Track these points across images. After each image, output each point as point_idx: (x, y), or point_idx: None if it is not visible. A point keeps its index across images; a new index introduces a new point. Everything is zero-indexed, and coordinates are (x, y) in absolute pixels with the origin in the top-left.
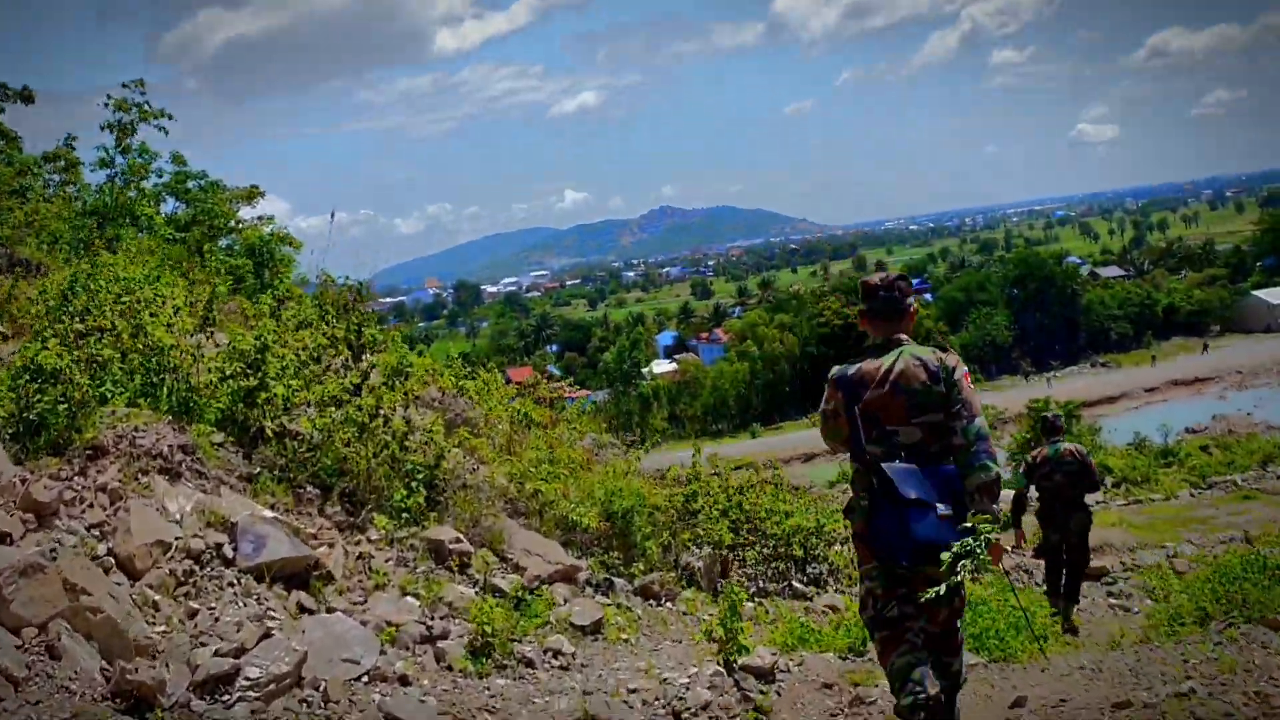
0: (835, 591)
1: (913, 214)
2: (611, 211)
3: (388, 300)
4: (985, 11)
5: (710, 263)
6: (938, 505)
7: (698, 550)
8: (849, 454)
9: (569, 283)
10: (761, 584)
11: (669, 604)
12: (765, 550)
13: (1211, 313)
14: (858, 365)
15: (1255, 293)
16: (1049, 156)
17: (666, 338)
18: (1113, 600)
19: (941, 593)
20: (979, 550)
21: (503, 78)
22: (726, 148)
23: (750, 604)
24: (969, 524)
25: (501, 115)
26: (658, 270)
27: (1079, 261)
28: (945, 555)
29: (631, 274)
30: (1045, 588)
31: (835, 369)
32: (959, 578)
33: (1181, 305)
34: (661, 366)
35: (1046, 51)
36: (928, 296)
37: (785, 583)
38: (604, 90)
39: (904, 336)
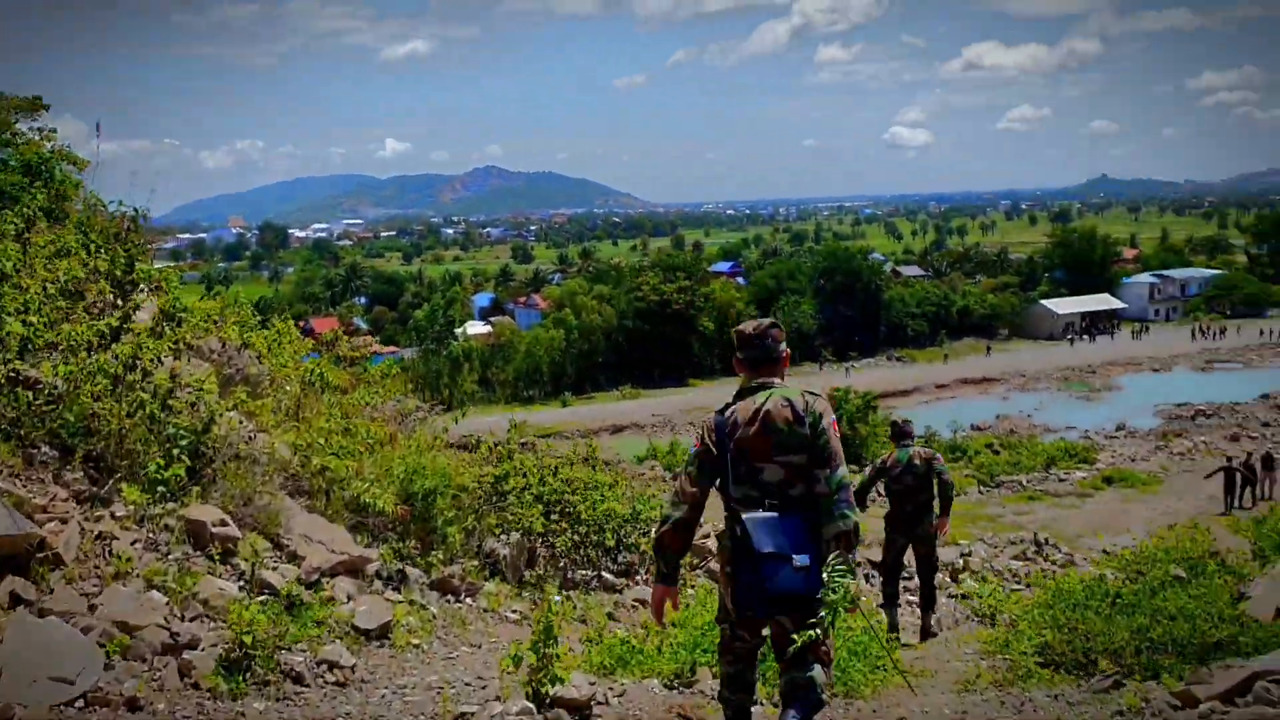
0: (645, 583)
1: (731, 199)
2: (435, 165)
3: (185, 236)
4: (818, 7)
5: (533, 227)
6: (794, 557)
7: (505, 537)
8: (720, 495)
9: (384, 234)
10: (570, 573)
11: (469, 599)
12: (576, 537)
13: (1002, 317)
14: (733, 408)
15: (1043, 301)
16: (864, 156)
17: (483, 299)
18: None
19: (800, 642)
20: (838, 600)
21: (332, 15)
22: (556, 114)
23: (558, 597)
24: (825, 573)
25: (326, 54)
26: (479, 230)
27: (883, 259)
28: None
29: (451, 231)
30: (881, 598)
31: (713, 415)
32: (817, 631)
33: (975, 308)
34: (476, 328)
35: (871, 52)
36: (740, 280)
37: (595, 572)
38: (435, 40)
39: (775, 380)
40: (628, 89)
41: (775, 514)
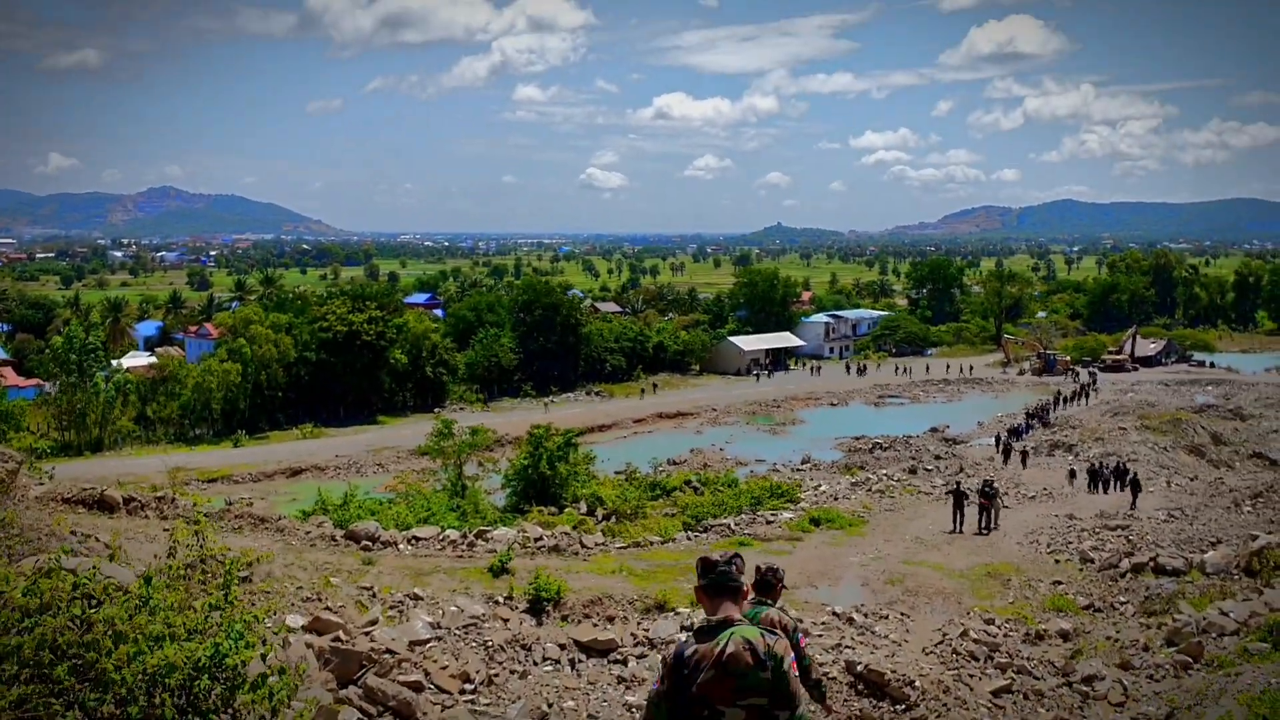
0: None
1: (429, 230)
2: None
3: None
4: (516, 47)
5: (213, 253)
6: None
7: None
8: None
9: (40, 255)
10: None
11: None
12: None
13: (694, 353)
14: (695, 647)
15: (730, 338)
16: (561, 195)
17: (149, 327)
18: (626, 689)
19: None
20: None
21: None
22: (242, 136)
23: None
24: None
25: None
26: (151, 254)
27: (581, 295)
28: None
29: (120, 254)
30: None
31: (676, 647)
32: None
33: (669, 344)
34: (138, 359)
35: (567, 95)
36: (438, 312)
37: None
38: (108, 52)
39: (735, 615)
40: (322, 114)
41: None
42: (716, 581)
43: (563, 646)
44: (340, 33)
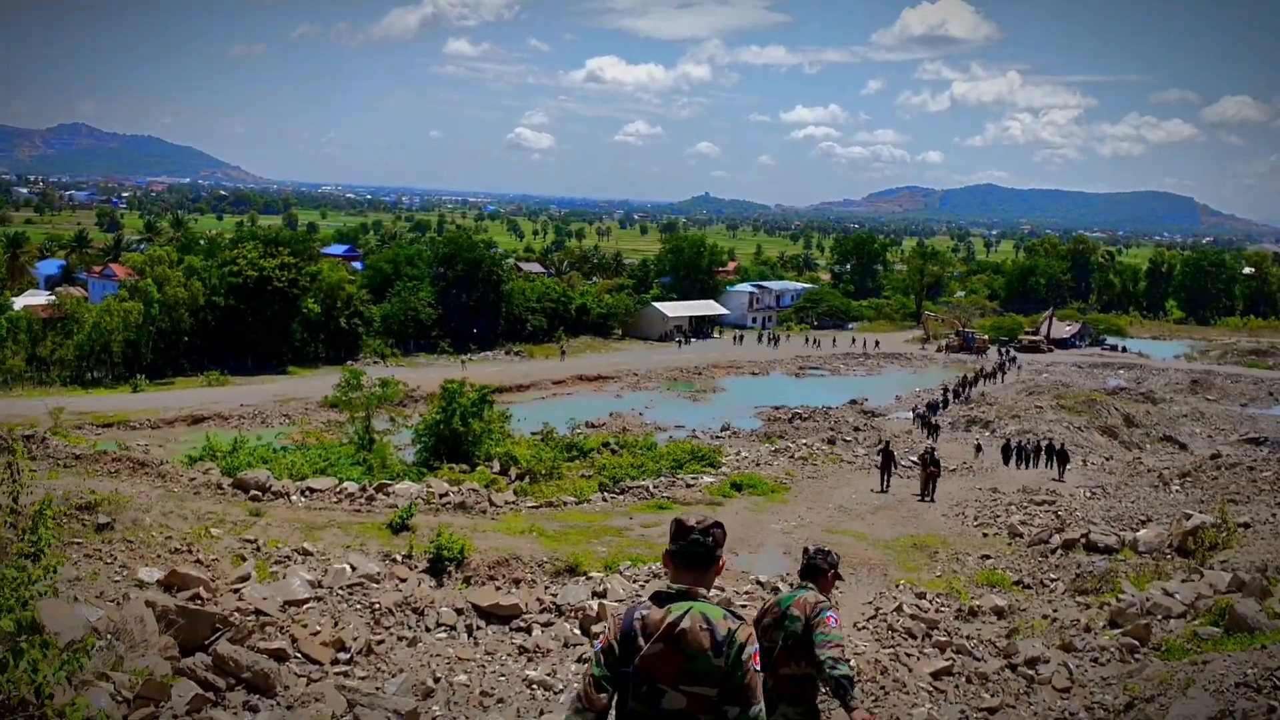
0: None
1: (352, 182)
2: (11, 117)
3: None
4: (449, 0)
5: (125, 194)
6: None
7: None
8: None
9: None
10: None
11: None
12: None
13: (616, 317)
14: (646, 612)
15: (655, 304)
16: (488, 154)
17: (50, 266)
18: (528, 661)
19: None
20: None
21: None
22: (161, 76)
23: None
24: None
25: None
26: (59, 192)
27: (504, 253)
28: None
29: (25, 191)
30: None
31: (628, 606)
32: None
33: (593, 307)
34: (36, 299)
35: (499, 52)
36: (357, 265)
37: None
38: None
39: (702, 591)
40: (245, 57)
41: None
42: (685, 549)
43: (460, 611)
44: None
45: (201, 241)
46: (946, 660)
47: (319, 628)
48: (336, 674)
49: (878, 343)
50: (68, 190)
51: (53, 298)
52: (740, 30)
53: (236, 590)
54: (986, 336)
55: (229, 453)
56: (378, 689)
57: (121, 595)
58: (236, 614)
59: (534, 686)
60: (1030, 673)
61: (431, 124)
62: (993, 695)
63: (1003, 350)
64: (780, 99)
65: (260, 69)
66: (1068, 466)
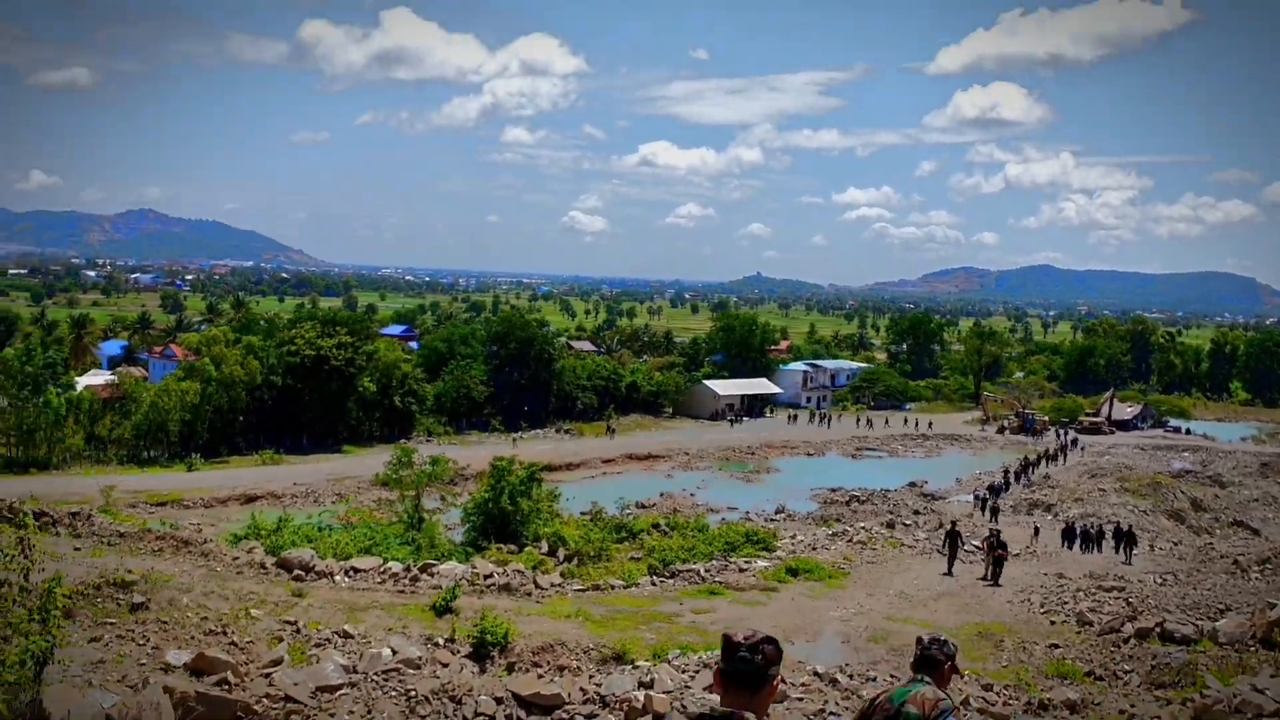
0: None
1: (410, 264)
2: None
3: None
4: (508, 90)
5: (189, 277)
6: None
7: None
8: None
9: (12, 271)
10: None
11: None
12: None
13: (667, 395)
14: None
15: (706, 382)
16: (543, 237)
17: (113, 346)
18: None
19: None
20: None
21: None
22: (226, 162)
23: None
24: None
25: None
26: (126, 275)
27: (557, 332)
28: None
29: (94, 274)
30: None
31: None
32: None
33: (643, 385)
34: (98, 378)
35: (554, 139)
36: (413, 345)
37: None
38: (98, 71)
39: (748, 715)
40: (309, 144)
41: None
42: (732, 669)
43: (499, 700)
44: (332, 65)
45: (262, 322)
46: None
47: (347, 718)
48: None
49: (930, 423)
50: (134, 273)
51: (113, 378)
52: (792, 114)
53: (268, 675)
54: (1046, 418)
55: (273, 531)
56: None
57: (142, 680)
58: (265, 700)
59: None
60: None
61: (489, 208)
62: None
63: (1060, 432)
64: (832, 180)
65: (323, 155)
66: (1135, 551)
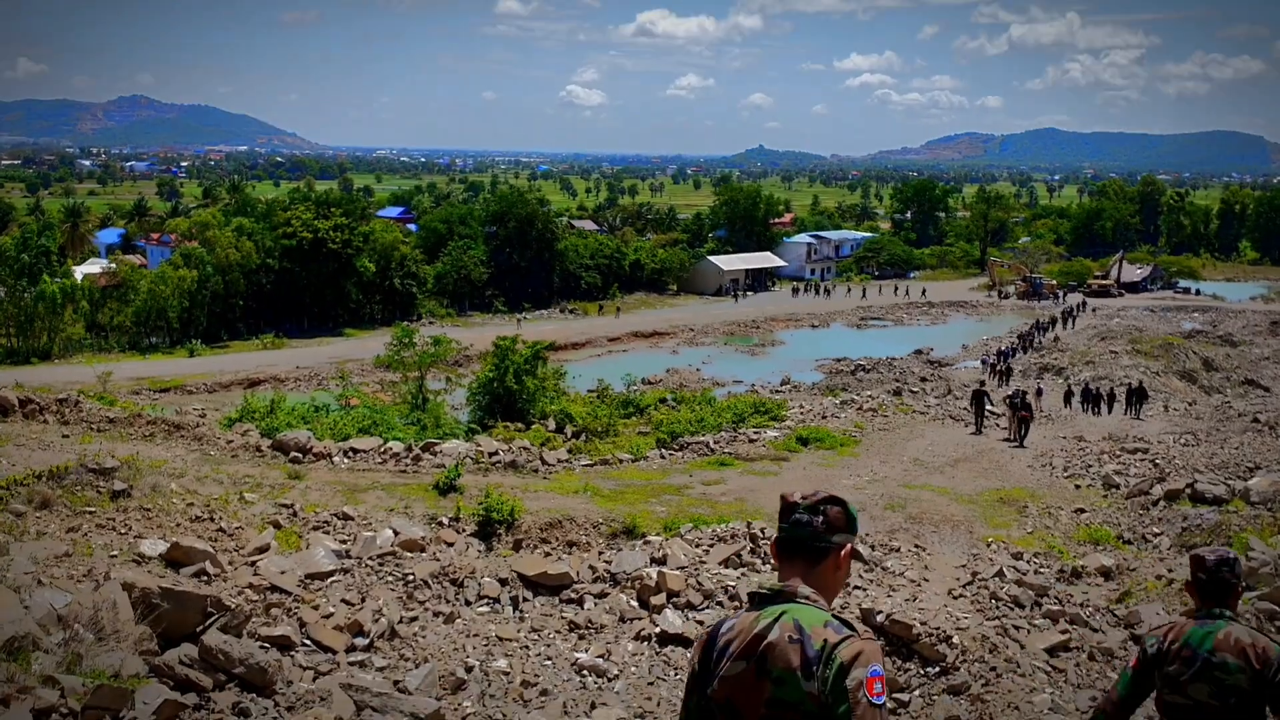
0: None
1: (406, 145)
2: (73, 91)
3: None
4: None
5: (184, 164)
6: None
7: None
8: None
9: (5, 162)
10: None
11: None
12: None
13: (671, 272)
14: (735, 622)
15: (710, 258)
16: (540, 113)
17: (110, 235)
18: (579, 639)
19: None
20: None
21: None
22: (216, 45)
23: None
24: None
25: None
26: (120, 163)
27: (558, 213)
28: None
29: (89, 163)
30: None
31: (719, 619)
32: None
33: (647, 263)
34: (95, 266)
35: (548, 9)
36: (411, 227)
37: None
38: None
39: (804, 589)
40: (297, 24)
41: None
42: (788, 534)
43: (504, 582)
44: None
45: (259, 205)
46: (1062, 633)
47: (333, 609)
48: (351, 664)
49: (924, 290)
50: (129, 161)
51: (112, 266)
52: None
53: (253, 563)
54: (1055, 281)
55: (267, 413)
56: (397, 683)
57: (97, 579)
58: (249, 590)
59: (584, 673)
60: None
61: (484, 85)
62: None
63: (1060, 295)
64: (834, 47)
65: (312, 35)
66: (1145, 406)
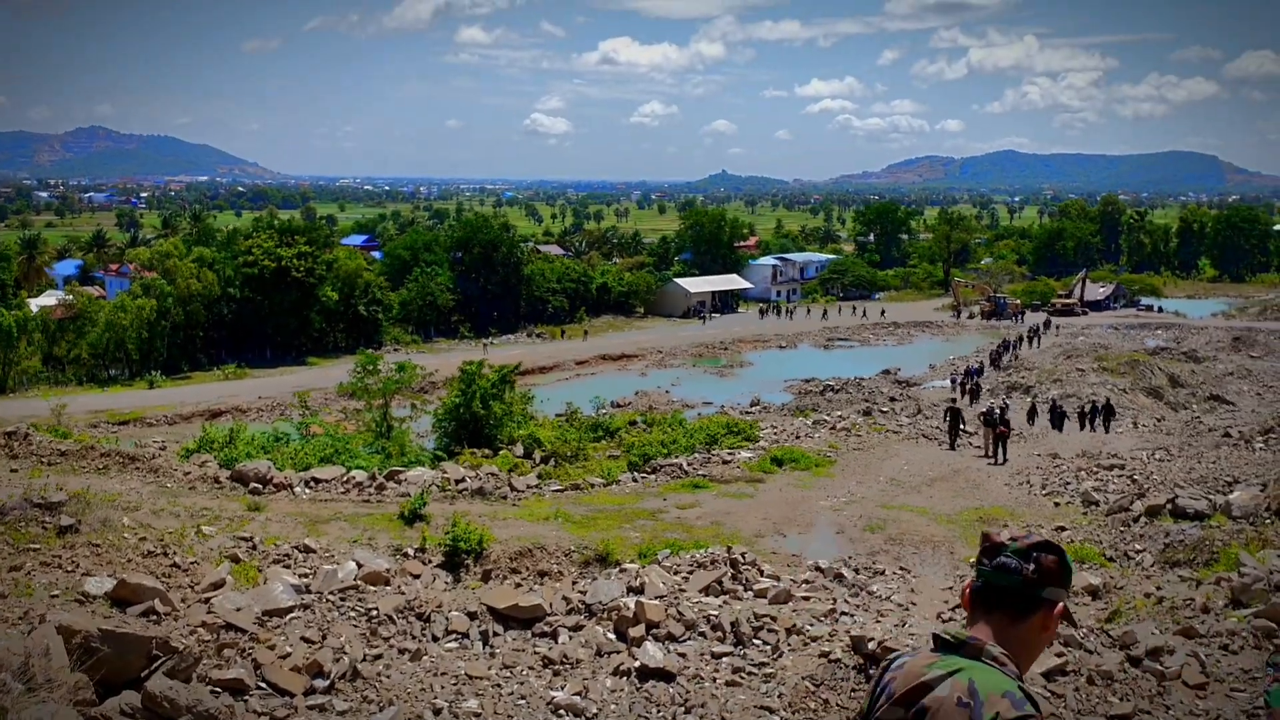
0: None
1: (370, 174)
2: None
3: None
4: None
5: (144, 194)
6: None
7: None
8: None
9: None
10: None
11: None
12: None
13: (638, 295)
14: (905, 662)
15: (676, 280)
16: (505, 141)
17: (68, 266)
18: (554, 676)
19: None
20: None
21: None
22: (176, 75)
23: None
24: None
25: None
26: (78, 195)
27: (523, 238)
28: None
29: (46, 195)
30: None
31: (892, 656)
32: None
33: (614, 286)
34: (51, 299)
35: (511, 38)
36: (376, 255)
37: None
38: None
39: (993, 648)
40: (258, 53)
41: None
42: (989, 578)
43: (473, 615)
44: None
45: (220, 235)
46: (1058, 656)
47: (290, 648)
48: (310, 708)
49: (883, 311)
50: (87, 193)
51: (68, 297)
52: (753, 6)
53: (207, 600)
54: (1019, 301)
55: (226, 444)
56: None
57: (32, 624)
58: (201, 629)
59: (561, 712)
60: (1157, 667)
61: (448, 113)
62: (1122, 699)
63: (1021, 315)
64: (795, 73)
65: (274, 64)
66: (1114, 422)
